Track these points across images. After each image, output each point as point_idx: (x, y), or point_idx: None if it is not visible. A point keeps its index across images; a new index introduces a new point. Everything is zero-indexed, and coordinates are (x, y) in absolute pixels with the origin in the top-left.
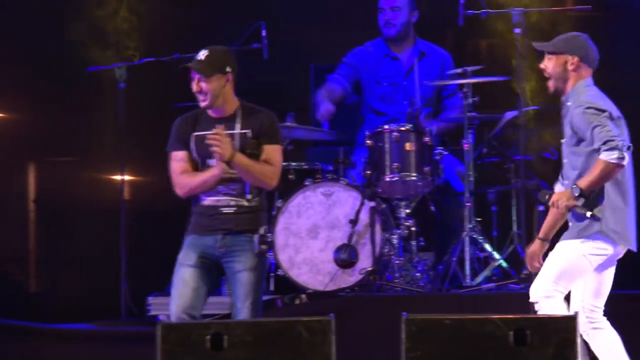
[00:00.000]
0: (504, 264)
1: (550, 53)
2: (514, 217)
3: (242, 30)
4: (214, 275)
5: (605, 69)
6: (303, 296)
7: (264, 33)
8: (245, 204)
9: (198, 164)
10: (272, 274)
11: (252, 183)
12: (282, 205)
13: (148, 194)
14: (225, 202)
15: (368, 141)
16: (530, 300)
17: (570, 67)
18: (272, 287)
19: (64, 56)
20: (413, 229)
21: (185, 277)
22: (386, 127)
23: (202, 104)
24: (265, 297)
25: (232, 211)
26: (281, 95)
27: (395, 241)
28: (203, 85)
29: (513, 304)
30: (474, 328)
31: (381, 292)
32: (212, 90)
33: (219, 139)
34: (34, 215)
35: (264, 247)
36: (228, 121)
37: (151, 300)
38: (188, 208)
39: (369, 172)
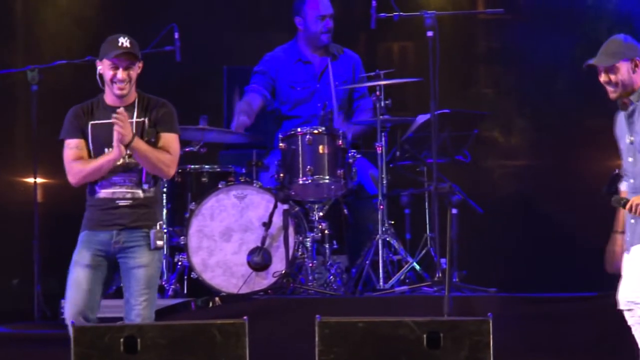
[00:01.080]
0: (417, 267)
1: (612, 67)
2: (427, 220)
3: (154, 32)
4: (109, 272)
5: (517, 71)
6: (217, 299)
7: (176, 35)
8: (142, 194)
9: (92, 154)
10: (185, 277)
11: (150, 170)
12: (195, 207)
13: (62, 196)
14: (121, 194)
15: (281, 144)
16: (623, 307)
17: (633, 70)
18: (185, 290)
19: None
20: (326, 232)
21: (79, 278)
22: (299, 129)
23: (122, 92)
24: (178, 300)
25: (127, 204)
26: (194, 98)
27: (308, 244)
28: (130, 72)
29: (426, 307)
30: (387, 331)
31: (295, 295)
32: (134, 78)
33: (123, 120)
34: None
35: (160, 242)
36: (126, 110)
37: (64, 303)
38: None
39: (282, 174)
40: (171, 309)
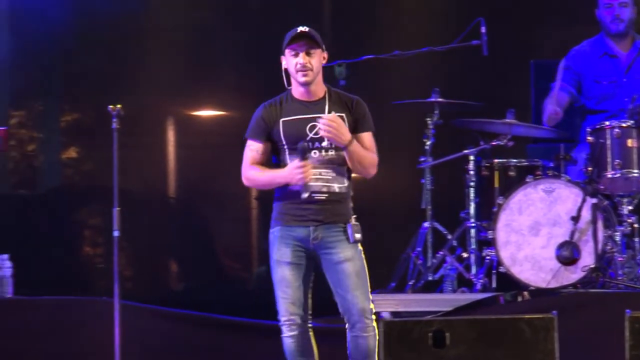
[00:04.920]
0: None
1: None
2: None
3: (461, 26)
4: (308, 269)
5: None
6: (525, 293)
7: (483, 29)
8: (337, 190)
9: (282, 151)
10: (494, 271)
11: (358, 171)
12: (503, 202)
13: (369, 191)
14: (317, 187)
15: (589, 137)
16: None
17: None
18: (494, 284)
19: (279, 55)
20: (636, 225)
21: (286, 276)
22: (607, 123)
23: (304, 79)
24: (487, 294)
25: (323, 198)
26: (501, 92)
27: (617, 238)
28: (312, 59)
29: None
30: None
31: (604, 289)
32: (315, 65)
33: (334, 125)
34: (256, 213)
35: (358, 235)
36: (317, 105)
37: (373, 297)
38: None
39: (590, 168)
40: (479, 303)
